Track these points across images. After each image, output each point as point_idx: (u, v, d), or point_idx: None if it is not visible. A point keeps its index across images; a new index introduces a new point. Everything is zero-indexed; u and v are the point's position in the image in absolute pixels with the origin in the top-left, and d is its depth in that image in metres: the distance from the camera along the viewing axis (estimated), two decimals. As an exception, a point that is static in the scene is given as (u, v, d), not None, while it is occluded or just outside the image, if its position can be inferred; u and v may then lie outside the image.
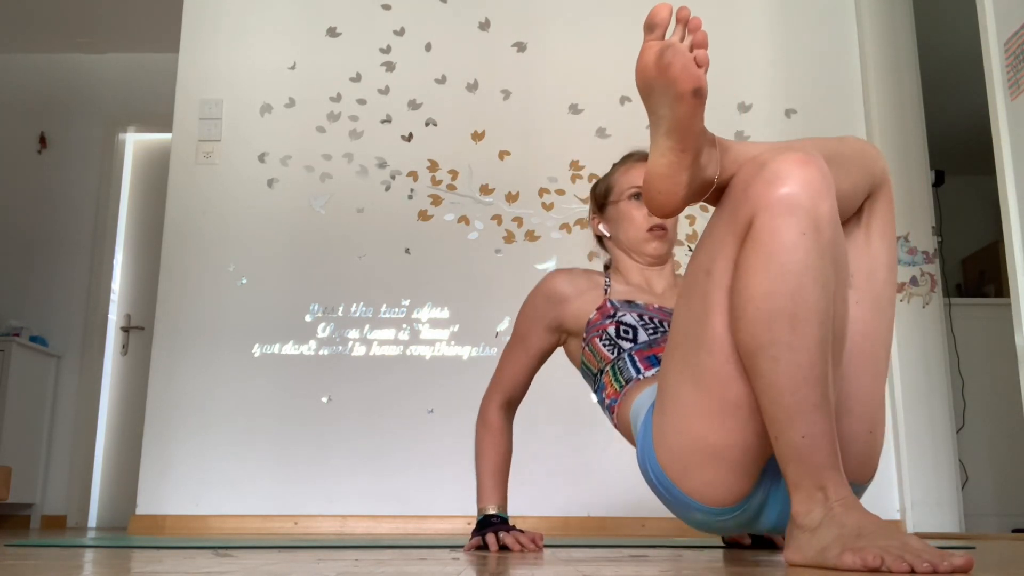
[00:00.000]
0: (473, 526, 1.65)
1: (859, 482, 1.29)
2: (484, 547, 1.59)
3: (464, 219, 3.43)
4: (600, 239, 1.80)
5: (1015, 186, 2.48)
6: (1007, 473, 3.96)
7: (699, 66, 1.04)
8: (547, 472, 3.19)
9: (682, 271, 2.05)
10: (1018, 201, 2.47)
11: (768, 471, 1.25)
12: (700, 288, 1.17)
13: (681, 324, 1.23)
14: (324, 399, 3.28)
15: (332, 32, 3.58)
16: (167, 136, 4.33)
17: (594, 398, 1.77)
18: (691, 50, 1.05)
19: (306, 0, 3.61)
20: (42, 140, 4.91)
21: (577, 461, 3.19)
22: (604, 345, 1.56)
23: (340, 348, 3.33)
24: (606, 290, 1.66)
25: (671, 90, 1.04)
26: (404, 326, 3.35)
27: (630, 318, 1.56)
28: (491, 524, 1.62)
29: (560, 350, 1.73)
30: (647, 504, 3.13)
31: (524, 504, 3.16)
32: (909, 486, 3.16)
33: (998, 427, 3.98)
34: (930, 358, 3.28)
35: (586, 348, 1.60)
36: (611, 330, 1.55)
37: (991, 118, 2.56)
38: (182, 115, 3.50)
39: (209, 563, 1.13)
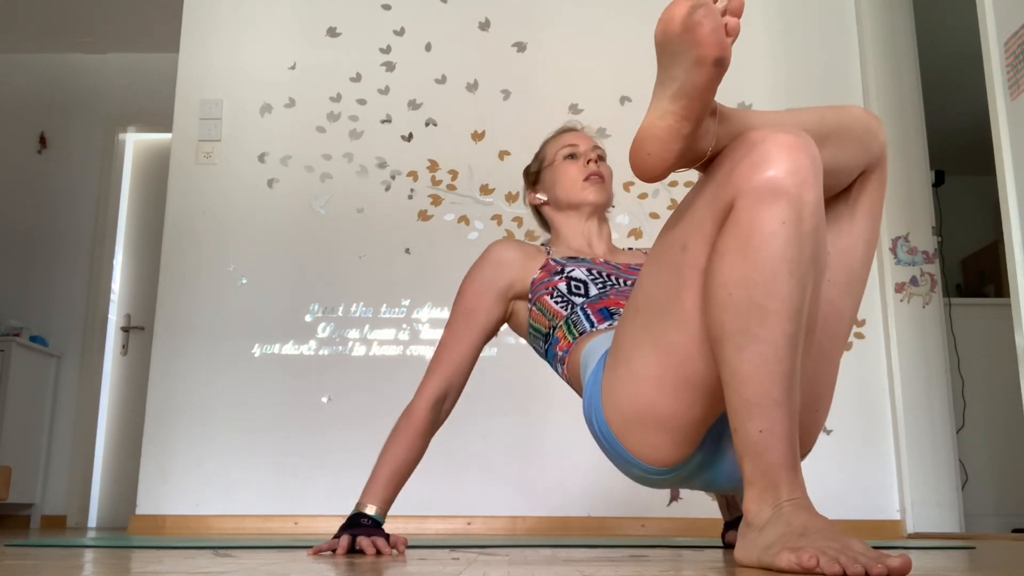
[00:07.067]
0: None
1: None
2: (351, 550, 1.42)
3: (464, 219, 3.43)
4: (538, 212, 1.81)
5: (1015, 186, 2.48)
6: (1007, 473, 3.96)
7: (728, 35, 0.99)
8: (547, 472, 3.18)
9: (626, 239, 2.02)
10: (1018, 201, 2.47)
11: (709, 435, 1.25)
12: (673, 261, 1.15)
13: (647, 290, 1.20)
14: (324, 399, 3.28)
15: (332, 32, 3.57)
16: (167, 136, 4.33)
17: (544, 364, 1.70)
18: (723, 15, 0.99)
19: (306, 0, 3.61)
20: (42, 140, 4.91)
21: (577, 461, 3.19)
22: (556, 302, 1.55)
23: (340, 348, 3.33)
24: (548, 251, 1.67)
25: (693, 52, 0.98)
26: (404, 326, 3.35)
27: (579, 272, 1.56)
28: (360, 526, 1.45)
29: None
30: (647, 504, 3.13)
31: (524, 505, 3.16)
32: (909, 486, 3.16)
33: (998, 427, 3.98)
34: (930, 358, 3.28)
35: (533, 309, 1.59)
36: (562, 286, 1.55)
37: (991, 118, 2.56)
38: (182, 115, 3.50)
39: (209, 563, 1.13)
